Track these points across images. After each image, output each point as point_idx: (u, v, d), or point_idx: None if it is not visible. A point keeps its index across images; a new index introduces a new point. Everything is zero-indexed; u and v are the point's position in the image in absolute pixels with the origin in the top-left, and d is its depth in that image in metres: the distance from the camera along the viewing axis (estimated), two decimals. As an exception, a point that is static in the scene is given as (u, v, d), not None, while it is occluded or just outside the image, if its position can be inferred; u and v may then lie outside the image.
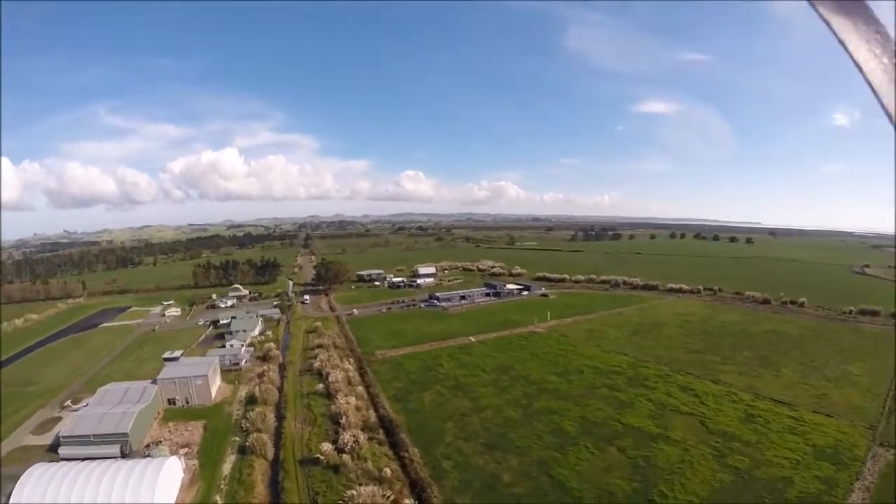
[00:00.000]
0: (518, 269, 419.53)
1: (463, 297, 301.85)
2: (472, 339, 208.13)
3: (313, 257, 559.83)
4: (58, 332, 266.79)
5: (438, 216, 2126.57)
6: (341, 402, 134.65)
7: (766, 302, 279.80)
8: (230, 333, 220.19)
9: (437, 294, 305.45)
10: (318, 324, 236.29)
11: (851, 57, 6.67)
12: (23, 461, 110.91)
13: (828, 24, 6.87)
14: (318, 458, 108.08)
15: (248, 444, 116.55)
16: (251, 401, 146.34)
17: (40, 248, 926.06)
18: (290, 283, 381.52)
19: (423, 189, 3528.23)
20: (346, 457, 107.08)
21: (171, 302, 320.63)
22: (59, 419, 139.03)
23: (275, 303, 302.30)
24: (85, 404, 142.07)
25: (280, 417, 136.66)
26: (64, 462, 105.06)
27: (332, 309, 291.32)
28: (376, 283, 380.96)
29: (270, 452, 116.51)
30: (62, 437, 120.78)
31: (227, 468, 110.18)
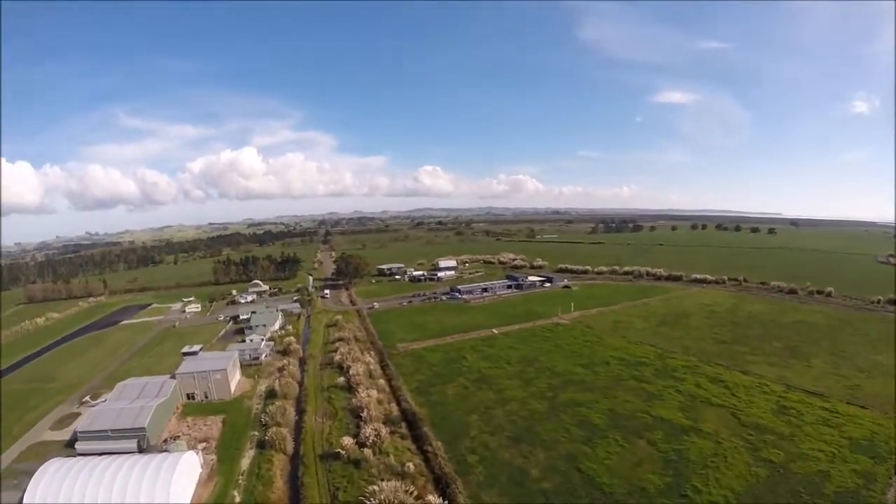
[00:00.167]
0: (539, 262, 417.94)
1: (485, 290, 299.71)
2: (495, 331, 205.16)
3: (333, 253, 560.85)
4: (78, 329, 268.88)
5: (457, 211, 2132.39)
6: (362, 395, 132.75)
7: (792, 292, 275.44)
8: (250, 328, 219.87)
9: (459, 286, 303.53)
10: (339, 317, 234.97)
11: None
12: (40, 456, 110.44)
13: None
14: (338, 452, 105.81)
15: (267, 438, 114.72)
16: (271, 395, 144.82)
17: (62, 250, 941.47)
18: (311, 278, 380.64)
19: (441, 184, 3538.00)
20: (367, 451, 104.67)
21: (191, 298, 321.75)
22: (77, 415, 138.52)
23: (295, 297, 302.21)
24: (103, 400, 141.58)
25: (300, 411, 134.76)
26: (80, 457, 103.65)
27: (352, 303, 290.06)
28: (397, 276, 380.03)
29: (290, 447, 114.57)
30: (79, 432, 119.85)
31: (245, 463, 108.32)
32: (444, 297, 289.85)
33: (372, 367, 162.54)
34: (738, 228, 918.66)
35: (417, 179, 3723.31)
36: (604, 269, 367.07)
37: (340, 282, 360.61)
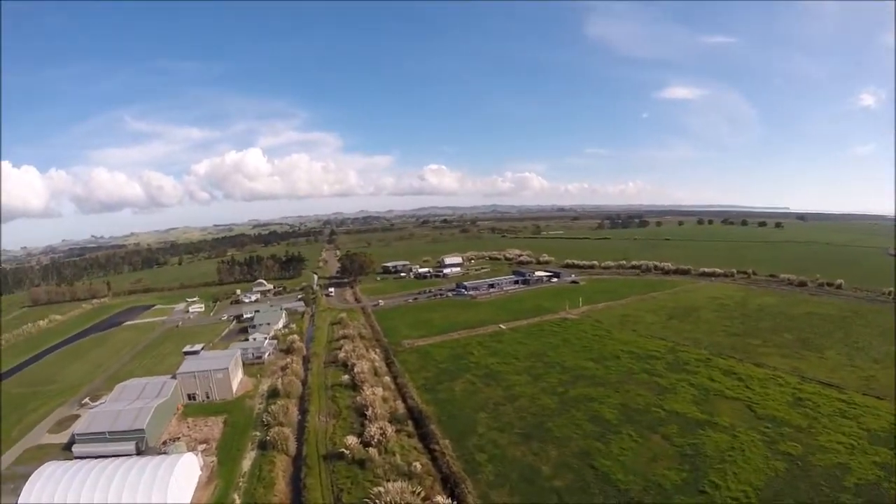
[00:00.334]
0: (546, 257, 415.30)
1: (491, 286, 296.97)
2: (503, 326, 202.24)
3: (338, 252, 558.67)
4: (81, 331, 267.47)
5: (463, 209, 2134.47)
6: (367, 393, 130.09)
7: (802, 284, 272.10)
8: (253, 327, 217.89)
9: (465, 283, 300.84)
10: (343, 315, 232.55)
11: None
12: (37, 460, 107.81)
13: None
14: (342, 452, 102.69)
15: (269, 438, 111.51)
16: (274, 394, 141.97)
17: (68, 254, 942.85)
18: (315, 276, 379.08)
19: (447, 182, 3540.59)
20: (372, 451, 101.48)
21: (194, 299, 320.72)
22: (77, 417, 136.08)
23: (299, 296, 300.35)
24: (103, 401, 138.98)
25: (303, 411, 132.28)
26: (77, 460, 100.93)
27: (357, 300, 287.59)
28: (402, 274, 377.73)
29: (293, 447, 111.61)
30: (76, 434, 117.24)
31: (246, 465, 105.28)
32: (450, 294, 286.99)
33: (377, 364, 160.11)
34: (744, 223, 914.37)
35: (423, 178, 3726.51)
36: (611, 263, 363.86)
37: (345, 280, 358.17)
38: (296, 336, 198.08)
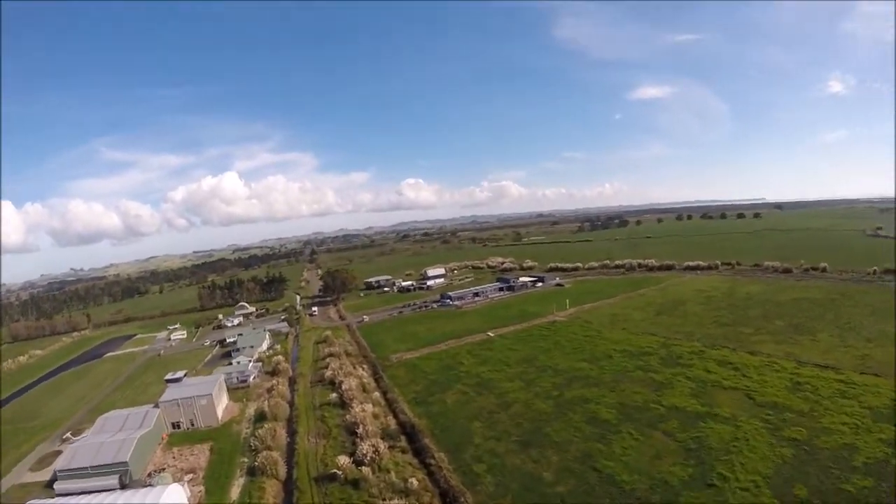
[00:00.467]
0: (529, 263, 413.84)
1: (476, 294, 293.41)
2: (491, 333, 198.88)
3: (319, 270, 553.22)
4: (62, 365, 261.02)
5: (442, 221, 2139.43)
6: (357, 410, 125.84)
7: (787, 271, 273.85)
8: (237, 350, 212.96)
9: (450, 293, 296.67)
10: (328, 333, 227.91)
11: None
12: (19, 500, 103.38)
13: None
14: (335, 473, 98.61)
15: (257, 464, 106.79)
16: (260, 417, 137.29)
17: (47, 288, 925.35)
18: (298, 296, 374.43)
19: (425, 195, 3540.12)
20: (366, 469, 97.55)
21: (176, 326, 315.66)
22: (59, 452, 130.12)
23: (282, 317, 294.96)
24: (85, 435, 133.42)
25: (292, 433, 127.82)
26: (59, 497, 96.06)
27: (341, 318, 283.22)
28: (385, 289, 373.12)
29: (283, 471, 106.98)
30: (58, 471, 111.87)
31: (235, 492, 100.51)
32: (435, 305, 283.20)
33: (365, 380, 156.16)
34: (723, 216, 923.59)
35: (401, 193, 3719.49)
36: (595, 264, 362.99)
37: (328, 298, 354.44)
38: (281, 357, 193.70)
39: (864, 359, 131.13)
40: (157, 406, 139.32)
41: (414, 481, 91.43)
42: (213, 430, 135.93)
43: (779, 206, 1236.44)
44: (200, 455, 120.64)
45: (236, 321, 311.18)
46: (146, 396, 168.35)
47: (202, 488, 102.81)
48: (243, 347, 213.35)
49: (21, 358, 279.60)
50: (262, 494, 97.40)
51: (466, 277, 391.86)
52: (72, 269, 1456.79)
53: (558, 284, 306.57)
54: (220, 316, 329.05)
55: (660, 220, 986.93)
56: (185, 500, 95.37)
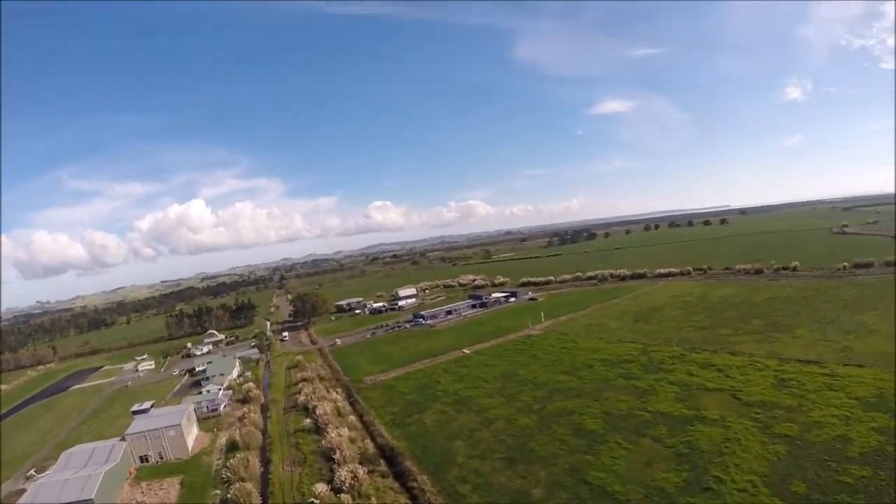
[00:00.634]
0: (500, 279, 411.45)
1: (449, 312, 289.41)
2: (467, 350, 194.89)
3: (289, 295, 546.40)
4: (27, 399, 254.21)
5: (411, 243, 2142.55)
6: (333, 435, 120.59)
7: (758, 272, 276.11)
8: (206, 379, 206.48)
9: (422, 312, 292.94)
10: (300, 358, 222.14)
11: None
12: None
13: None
14: (312, 502, 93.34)
15: (230, 496, 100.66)
16: (232, 447, 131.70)
17: (13, 321, 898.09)
18: (268, 322, 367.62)
19: (392, 218, 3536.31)
20: (345, 497, 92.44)
21: (144, 356, 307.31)
22: (23, 491, 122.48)
23: (253, 344, 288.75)
24: (49, 472, 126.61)
25: (266, 462, 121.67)
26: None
27: (313, 342, 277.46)
28: (356, 311, 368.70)
29: (257, 503, 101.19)
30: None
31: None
32: (407, 325, 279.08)
33: (340, 404, 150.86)
34: (690, 224, 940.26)
35: (369, 216, 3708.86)
36: (566, 277, 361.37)
37: (299, 323, 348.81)
38: (252, 384, 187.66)
39: (845, 351, 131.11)
40: (123, 439, 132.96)
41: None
42: (183, 463, 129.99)
43: (743, 211, 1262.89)
44: (170, 489, 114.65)
45: (205, 349, 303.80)
46: (113, 429, 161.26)
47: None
48: (213, 375, 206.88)
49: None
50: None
51: (438, 296, 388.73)
52: (38, 301, 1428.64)
53: (531, 298, 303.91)
54: (189, 345, 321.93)
55: (628, 232, 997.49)
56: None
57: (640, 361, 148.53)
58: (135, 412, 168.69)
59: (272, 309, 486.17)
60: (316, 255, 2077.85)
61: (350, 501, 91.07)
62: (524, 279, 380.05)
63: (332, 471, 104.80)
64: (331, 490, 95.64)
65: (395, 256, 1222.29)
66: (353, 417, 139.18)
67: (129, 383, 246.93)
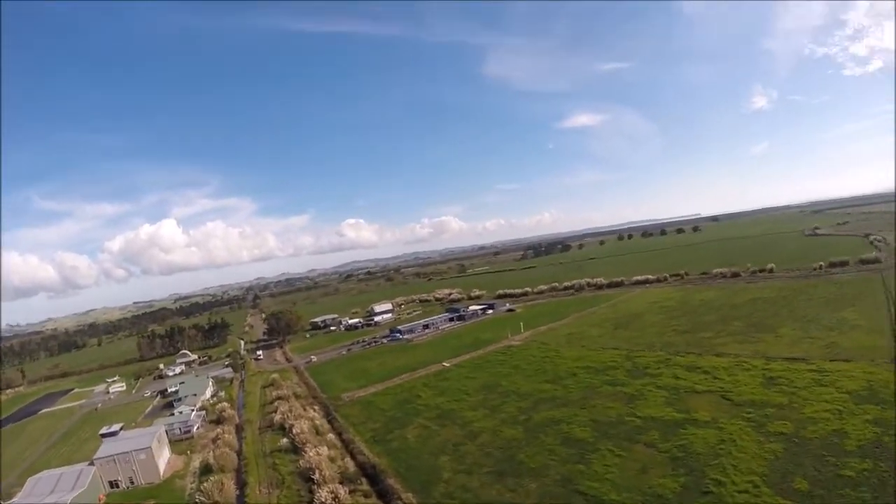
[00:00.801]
0: (477, 292, 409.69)
1: (426, 326, 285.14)
2: (446, 363, 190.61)
3: (263, 315, 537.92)
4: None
5: (384, 260, 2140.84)
6: (311, 454, 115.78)
7: (735, 275, 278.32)
8: (179, 400, 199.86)
9: (399, 327, 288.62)
10: (276, 376, 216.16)
11: None
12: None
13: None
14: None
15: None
16: (206, 470, 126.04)
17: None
18: (242, 341, 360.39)
19: (365, 235, 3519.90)
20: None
21: (115, 378, 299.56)
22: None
23: (226, 363, 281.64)
24: (14, 500, 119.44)
25: (241, 484, 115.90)
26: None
27: (288, 360, 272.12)
28: (332, 328, 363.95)
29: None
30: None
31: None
32: (384, 340, 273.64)
33: (318, 422, 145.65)
34: (663, 233, 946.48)
35: (342, 234, 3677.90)
36: (543, 287, 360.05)
37: (273, 341, 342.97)
38: (226, 404, 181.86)
39: (830, 347, 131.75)
40: (91, 464, 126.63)
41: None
42: (155, 487, 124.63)
43: (715, 218, 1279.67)
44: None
45: (178, 370, 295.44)
46: (82, 453, 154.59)
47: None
48: (185, 396, 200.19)
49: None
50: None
51: (415, 311, 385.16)
52: (8, 324, 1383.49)
53: (509, 310, 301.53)
54: (161, 365, 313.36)
55: (602, 243, 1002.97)
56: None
57: (625, 367, 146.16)
58: (103, 435, 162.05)
59: (246, 328, 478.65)
60: (290, 273, 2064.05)
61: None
62: (501, 291, 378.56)
63: (311, 492, 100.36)
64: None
65: (369, 273, 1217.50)
66: (331, 435, 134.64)
67: (100, 406, 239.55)
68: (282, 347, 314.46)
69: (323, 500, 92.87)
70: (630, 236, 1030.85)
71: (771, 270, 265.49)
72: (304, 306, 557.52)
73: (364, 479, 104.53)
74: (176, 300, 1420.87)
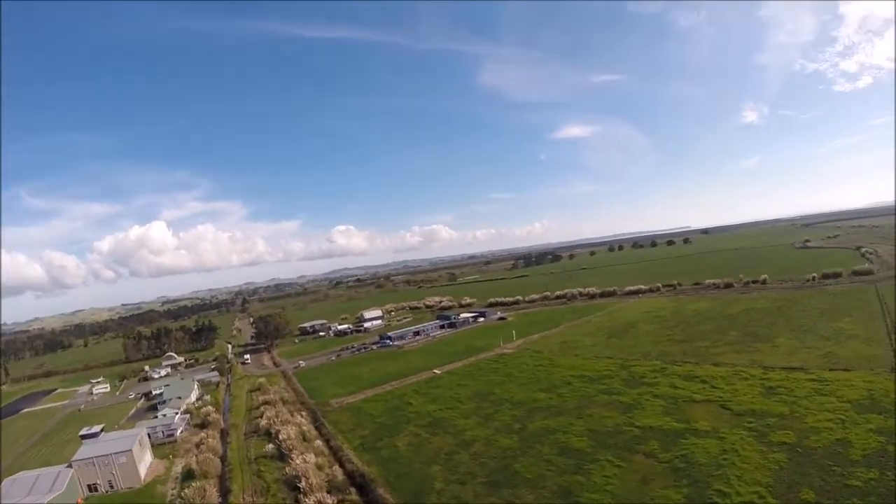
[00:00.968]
0: (468, 300, 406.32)
1: (417, 333, 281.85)
2: (437, 371, 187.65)
3: (252, 319, 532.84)
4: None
5: (374, 267, 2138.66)
6: (298, 462, 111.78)
7: (728, 286, 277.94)
8: (163, 403, 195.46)
9: (389, 334, 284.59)
10: (263, 380, 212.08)
11: None
12: None
13: None
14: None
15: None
16: (189, 475, 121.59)
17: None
18: (229, 345, 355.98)
19: (356, 242, 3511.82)
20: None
21: (99, 379, 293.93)
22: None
23: (213, 366, 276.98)
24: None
25: (225, 491, 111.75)
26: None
27: (276, 364, 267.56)
28: (321, 333, 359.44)
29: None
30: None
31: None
32: (374, 347, 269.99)
33: (305, 428, 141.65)
34: (654, 244, 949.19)
35: (332, 240, 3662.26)
36: (535, 296, 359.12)
37: (261, 345, 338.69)
38: (211, 408, 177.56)
39: (828, 356, 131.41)
40: (70, 466, 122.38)
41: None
42: (135, 492, 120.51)
43: (705, 231, 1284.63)
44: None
45: (164, 372, 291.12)
46: (62, 455, 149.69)
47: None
48: (170, 399, 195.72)
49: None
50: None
51: (405, 318, 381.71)
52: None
53: (501, 318, 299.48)
54: (147, 367, 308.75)
55: (592, 253, 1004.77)
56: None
57: (621, 376, 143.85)
58: (83, 436, 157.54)
59: (234, 332, 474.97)
60: (279, 279, 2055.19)
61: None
62: (492, 299, 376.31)
63: (297, 501, 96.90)
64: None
65: (358, 280, 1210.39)
66: (319, 442, 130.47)
67: (83, 407, 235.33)
68: (270, 352, 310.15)
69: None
70: (621, 247, 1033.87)
71: (764, 281, 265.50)
72: (293, 312, 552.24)
73: (353, 489, 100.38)
74: (164, 303, 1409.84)
